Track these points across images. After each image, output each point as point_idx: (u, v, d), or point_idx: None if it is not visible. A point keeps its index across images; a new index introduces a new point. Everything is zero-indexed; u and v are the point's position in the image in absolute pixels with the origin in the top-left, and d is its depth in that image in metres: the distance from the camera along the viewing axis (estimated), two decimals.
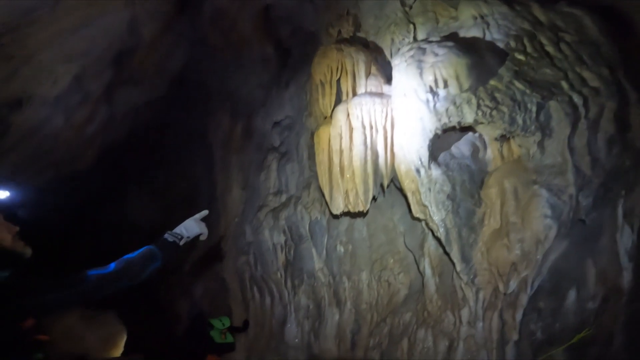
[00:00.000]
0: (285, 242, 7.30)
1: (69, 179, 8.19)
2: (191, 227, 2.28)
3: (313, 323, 7.14)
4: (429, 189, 5.08)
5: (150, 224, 10.73)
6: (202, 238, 2.37)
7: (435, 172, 5.10)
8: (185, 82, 8.40)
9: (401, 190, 5.96)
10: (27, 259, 1.87)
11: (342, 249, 6.94)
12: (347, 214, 6.15)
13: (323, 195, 6.23)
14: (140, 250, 2.02)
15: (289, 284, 7.37)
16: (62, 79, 5.57)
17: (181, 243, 2.20)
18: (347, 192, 5.81)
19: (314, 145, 6.39)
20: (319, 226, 7.04)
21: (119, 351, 7.59)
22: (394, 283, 6.54)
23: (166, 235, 2.18)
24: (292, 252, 7.30)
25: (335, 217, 6.75)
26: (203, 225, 2.35)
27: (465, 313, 5.37)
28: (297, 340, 7.26)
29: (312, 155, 6.90)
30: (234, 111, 8.48)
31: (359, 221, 6.89)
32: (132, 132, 8.96)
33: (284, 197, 7.54)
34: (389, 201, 6.72)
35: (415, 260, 6.33)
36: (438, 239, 5.45)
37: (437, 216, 5.08)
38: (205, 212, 2.43)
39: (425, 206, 5.16)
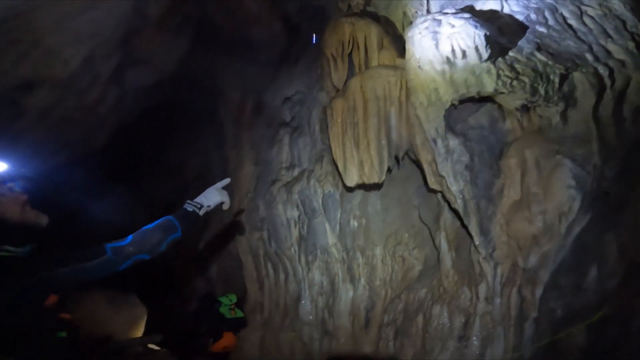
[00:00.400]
0: (299, 216, 7.09)
1: (84, 159, 8.07)
2: (212, 195, 2.17)
3: (327, 300, 6.97)
4: (446, 159, 4.85)
5: (164, 202, 10.43)
6: (225, 207, 2.24)
7: (453, 142, 4.89)
8: (193, 61, 8.20)
9: (416, 163, 5.76)
10: (44, 229, 1.80)
11: (356, 224, 6.71)
12: (361, 186, 5.91)
13: (337, 167, 5.99)
14: (158, 220, 1.92)
15: (302, 260, 7.18)
16: (71, 61, 5.45)
17: (201, 212, 2.08)
18: (362, 163, 5.57)
19: (326, 118, 6.20)
20: (332, 200, 6.81)
21: (140, 332, 7.55)
22: (408, 258, 6.32)
23: (185, 205, 2.06)
24: (305, 227, 7.08)
25: (349, 190, 6.50)
26: (225, 193, 2.23)
27: (482, 289, 5.14)
28: (311, 317, 7.10)
29: (324, 129, 6.73)
30: (243, 88, 8.30)
31: (372, 195, 6.65)
32: (143, 113, 8.85)
33: (296, 171, 7.31)
34: (403, 174, 6.46)
35: (431, 235, 6.09)
36: (455, 212, 5.22)
37: (455, 187, 4.85)
38: (227, 180, 2.32)
39: (442, 177, 4.93)
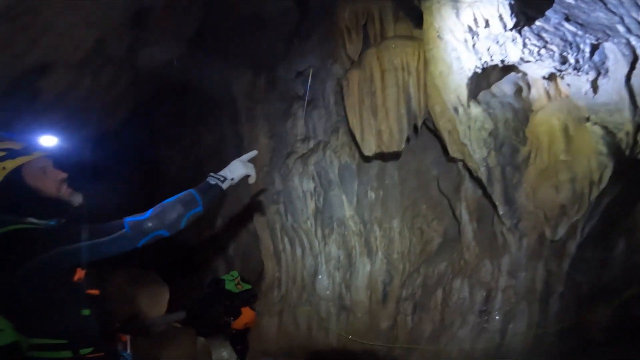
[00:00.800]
0: (315, 189, 6.86)
1: (101, 138, 7.98)
2: (237, 168, 2.02)
3: (344, 274, 6.78)
4: (469, 127, 4.58)
5: (182, 178, 10.55)
6: (251, 181, 2.13)
7: (475, 110, 4.59)
8: (205, 39, 8.01)
9: (434, 132, 5.51)
10: (76, 208, 1.79)
11: (373, 195, 6.46)
12: (378, 156, 5.74)
13: (354, 137, 5.78)
14: (179, 194, 1.81)
15: (319, 233, 6.96)
16: (83, 43, 5.33)
17: (224, 186, 1.93)
18: (380, 132, 5.33)
19: (341, 90, 5.99)
20: (348, 171, 6.56)
21: (163, 310, 7.50)
22: (427, 230, 6.06)
23: (208, 178, 1.93)
24: (321, 199, 6.86)
25: (366, 160, 6.30)
26: (251, 166, 2.09)
27: (505, 262, 4.88)
28: (328, 292, 6.92)
29: (339, 101, 6.52)
30: (255, 64, 8.09)
31: (389, 165, 6.38)
32: (157, 91, 8.78)
33: (311, 143, 7.07)
34: (421, 144, 6.19)
35: (451, 206, 5.81)
36: (477, 181, 4.96)
37: (478, 154, 4.57)
38: (254, 153, 2.20)
39: (464, 145, 4.65)
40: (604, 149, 4.17)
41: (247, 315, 5.91)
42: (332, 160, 6.60)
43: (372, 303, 6.43)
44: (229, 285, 5.85)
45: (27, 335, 1.57)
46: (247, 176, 2.06)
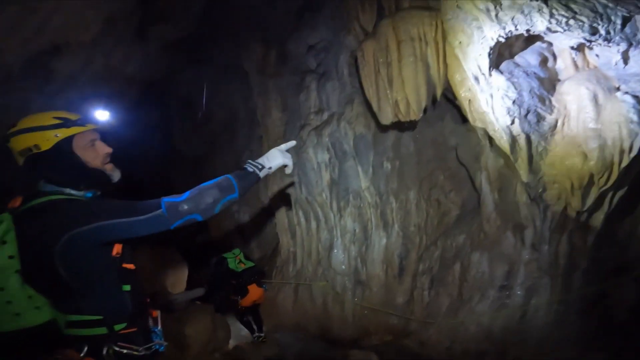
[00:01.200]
0: (330, 160, 6.63)
1: (115, 118, 7.91)
2: (274, 157, 1.96)
3: (360, 248, 6.60)
4: (491, 95, 4.35)
5: (195, 154, 10.47)
6: (288, 171, 2.04)
7: (498, 78, 4.36)
8: (214, 16, 7.81)
9: (453, 102, 5.26)
10: (115, 184, 1.80)
11: (389, 166, 6.21)
12: (395, 126, 5.53)
13: (369, 108, 5.57)
14: (217, 179, 1.77)
15: (334, 206, 6.76)
16: (93, 24, 5.29)
17: (261, 174, 1.88)
18: (397, 102, 5.09)
19: (355, 61, 5.81)
20: (364, 142, 6.31)
21: (183, 287, 7.47)
22: (444, 202, 5.82)
23: (246, 165, 1.88)
24: (336, 170, 6.63)
25: (382, 131, 6.07)
26: (289, 156, 2.02)
27: (528, 234, 4.65)
28: (343, 266, 6.76)
29: (353, 73, 6.30)
30: (266, 39, 7.88)
31: (406, 136, 6.13)
32: (168, 69, 8.64)
33: (325, 115, 6.82)
34: (438, 114, 5.91)
35: (470, 176, 5.55)
36: (499, 150, 4.70)
37: (501, 122, 4.34)
38: (292, 143, 2.16)
39: (485, 113, 4.43)
40: (635, 117, 3.89)
41: (254, 292, 5.99)
42: (347, 131, 6.36)
43: (388, 277, 6.26)
44: (232, 264, 5.96)
45: (65, 311, 1.57)
46: (285, 166, 1.98)
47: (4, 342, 1.48)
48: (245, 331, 6.40)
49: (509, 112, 4.28)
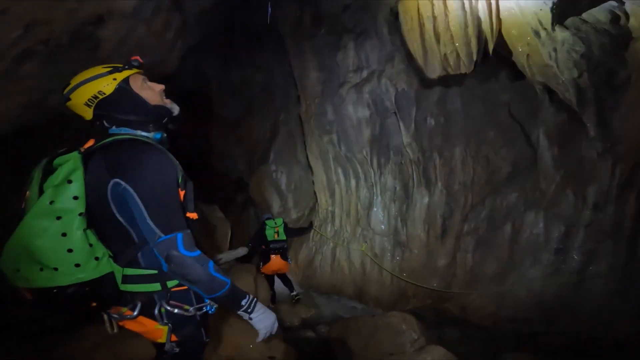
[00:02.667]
0: (370, 116, 6.12)
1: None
2: (266, 318, 1.71)
3: (400, 206, 6.10)
4: (554, 50, 4.09)
5: (233, 116, 10.21)
6: (257, 339, 1.74)
7: (562, 33, 4.10)
8: None
9: (505, 58, 4.72)
10: (176, 118, 1.78)
11: (433, 122, 5.64)
12: (440, 82, 5.17)
13: (413, 63, 5.18)
14: (223, 277, 1.59)
15: (374, 162, 6.27)
16: None
17: (240, 311, 1.65)
18: (446, 55, 4.65)
19: (396, 18, 5.46)
20: (406, 98, 5.75)
21: (226, 244, 7.36)
22: (494, 159, 5.17)
23: (247, 298, 1.66)
24: (377, 126, 6.13)
25: (426, 87, 5.55)
26: (274, 326, 1.74)
27: (592, 192, 4.03)
28: (383, 226, 6.31)
29: (393, 31, 5.88)
30: (299, 1, 7.38)
31: (452, 92, 5.51)
32: (205, 35, 8.36)
33: (365, 73, 6.28)
34: (488, 70, 5.25)
35: (524, 131, 4.88)
36: (561, 104, 4.15)
37: (567, 76, 4.03)
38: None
39: (548, 67, 4.10)
40: None
41: (275, 263, 5.98)
42: (388, 88, 5.83)
43: (430, 238, 5.75)
44: (268, 232, 5.98)
45: (122, 264, 1.53)
46: (258, 331, 1.70)
47: (62, 298, 1.40)
48: (287, 291, 6.37)
49: (576, 66, 4.00)
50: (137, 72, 1.71)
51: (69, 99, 1.61)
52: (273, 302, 6.00)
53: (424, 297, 5.74)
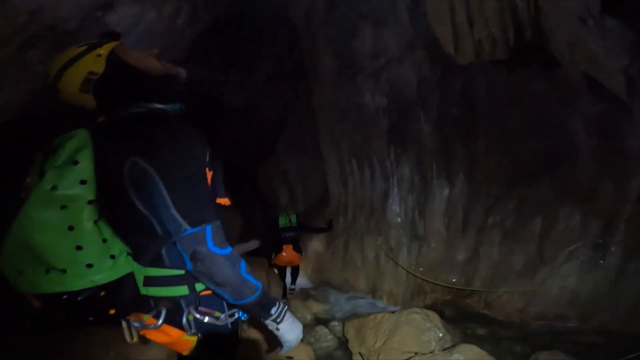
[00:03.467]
0: (388, 104, 5.77)
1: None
2: (295, 328, 1.46)
3: (418, 198, 5.77)
4: (603, 38, 3.82)
5: (241, 105, 9.88)
6: (283, 350, 1.50)
7: (611, 21, 3.88)
8: None
9: (538, 45, 4.40)
10: (184, 81, 1.45)
11: (455, 110, 5.29)
12: (464, 70, 4.90)
13: (441, 48, 4.95)
14: (256, 282, 1.33)
15: (391, 153, 5.93)
16: None
17: (267, 321, 1.40)
18: (481, 41, 4.30)
19: (417, 3, 5.35)
20: (427, 86, 5.41)
21: (235, 237, 7.11)
22: (521, 149, 4.83)
23: (279, 306, 1.40)
24: (395, 116, 5.78)
25: (449, 75, 5.25)
26: (297, 340, 1.48)
27: (635, 183, 3.71)
28: (399, 219, 5.98)
29: (414, 17, 5.52)
30: None
31: (477, 80, 5.16)
32: (215, 22, 8.09)
33: (382, 60, 5.93)
34: (516, 57, 4.89)
35: (557, 122, 4.52)
36: (602, 92, 3.92)
37: (615, 64, 3.77)
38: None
39: (594, 54, 3.86)
40: None
41: (288, 253, 5.81)
42: (409, 75, 5.47)
43: (450, 232, 5.44)
44: (281, 220, 5.83)
45: (145, 262, 1.25)
46: (283, 343, 1.46)
47: (74, 305, 1.14)
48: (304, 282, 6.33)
49: (626, 53, 3.73)
50: (121, 42, 1.43)
51: (59, 90, 1.32)
52: (284, 297, 5.80)
53: (443, 293, 5.45)
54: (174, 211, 1.16)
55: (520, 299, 4.50)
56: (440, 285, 5.36)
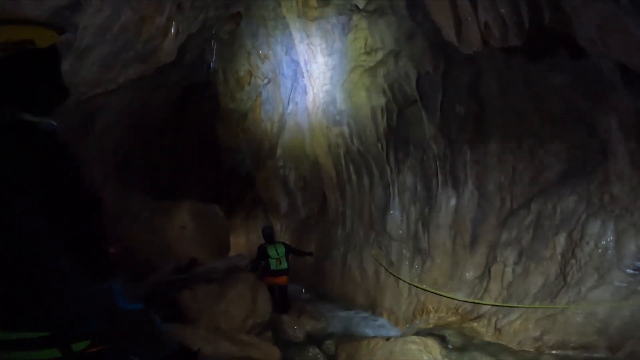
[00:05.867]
0: (386, 104, 5.00)
1: (159, 73, 6.78)
2: None
3: (422, 209, 4.97)
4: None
5: (240, 109, 9.21)
6: None
7: None
8: None
9: (558, 32, 3.49)
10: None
11: (463, 110, 4.48)
12: (472, 61, 4.13)
13: (439, 39, 4.10)
14: None
15: (391, 158, 5.16)
16: None
17: None
18: (488, 23, 3.54)
19: None
20: (429, 82, 4.62)
21: (227, 250, 6.43)
22: (542, 154, 3.98)
23: None
24: (394, 117, 5.02)
25: (455, 68, 4.45)
26: None
27: None
28: (401, 231, 5.19)
29: (412, 5, 4.70)
30: None
31: (487, 74, 4.34)
32: (203, 24, 7.20)
33: (380, 55, 5.16)
34: (534, 46, 4.02)
35: (585, 121, 3.69)
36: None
37: None
38: None
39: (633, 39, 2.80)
40: None
41: (279, 279, 5.45)
42: (408, 70, 4.69)
43: (457, 246, 4.63)
44: (271, 262, 5.38)
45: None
46: None
47: None
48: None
49: None
50: None
51: None
52: (274, 311, 5.28)
53: (448, 312, 4.64)
54: None
55: (537, 326, 3.67)
56: (445, 297, 4.54)
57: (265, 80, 8.21)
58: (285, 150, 7.76)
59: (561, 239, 3.54)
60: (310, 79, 6.13)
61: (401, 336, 4.14)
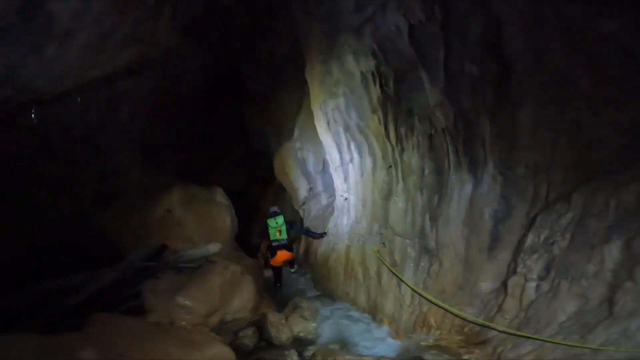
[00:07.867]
0: (378, 68, 3.81)
1: (158, 58, 6.32)
2: None
3: (429, 197, 3.77)
4: None
5: (262, 90, 8.53)
6: None
7: None
8: None
9: None
10: None
11: (476, 69, 3.13)
12: (484, 5, 2.92)
13: None
14: None
15: (391, 134, 3.95)
16: None
17: None
18: None
19: None
20: (428, 35, 3.33)
21: (226, 236, 5.70)
22: (592, 125, 2.56)
23: None
24: (390, 82, 3.79)
25: (461, 14, 3.11)
26: None
27: None
28: (404, 224, 3.99)
29: None
30: None
31: (508, 21, 2.90)
32: (207, 9, 6.64)
33: (369, 10, 3.81)
34: None
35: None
36: None
37: None
38: None
39: None
40: None
41: (281, 255, 5.58)
42: (399, 23, 3.44)
43: (471, 248, 3.40)
44: (271, 232, 5.54)
45: None
46: None
47: None
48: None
49: None
50: None
51: None
52: (276, 285, 5.83)
53: (451, 331, 3.47)
54: None
55: None
56: (450, 312, 3.37)
57: (284, 60, 7.51)
58: (303, 131, 6.76)
59: (614, 249, 2.25)
60: (307, 49, 5.05)
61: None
